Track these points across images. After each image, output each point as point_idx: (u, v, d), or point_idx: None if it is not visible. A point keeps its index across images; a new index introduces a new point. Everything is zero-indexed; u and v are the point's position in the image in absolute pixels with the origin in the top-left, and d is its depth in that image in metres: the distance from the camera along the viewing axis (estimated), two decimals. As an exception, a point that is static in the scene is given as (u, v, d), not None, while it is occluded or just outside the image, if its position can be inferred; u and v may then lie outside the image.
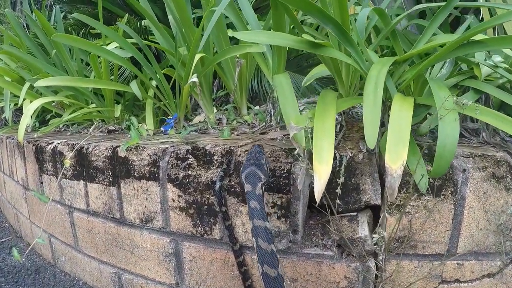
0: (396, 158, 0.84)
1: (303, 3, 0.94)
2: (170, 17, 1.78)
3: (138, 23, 2.00)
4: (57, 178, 1.44)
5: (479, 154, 0.97)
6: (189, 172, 1.08)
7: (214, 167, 1.06)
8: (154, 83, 1.63)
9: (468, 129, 1.18)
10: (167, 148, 1.13)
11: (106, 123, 1.78)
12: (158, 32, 1.71)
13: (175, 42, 1.51)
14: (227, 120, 1.59)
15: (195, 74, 1.31)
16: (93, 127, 1.59)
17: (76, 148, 1.33)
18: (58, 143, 1.43)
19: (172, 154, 1.11)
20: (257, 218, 0.84)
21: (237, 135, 1.40)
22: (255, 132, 1.44)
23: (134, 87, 1.46)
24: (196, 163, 1.08)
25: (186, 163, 1.09)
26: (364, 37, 1.17)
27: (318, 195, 0.83)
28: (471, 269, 0.99)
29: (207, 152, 1.09)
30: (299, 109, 1.04)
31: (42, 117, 2.13)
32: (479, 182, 0.94)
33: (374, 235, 0.95)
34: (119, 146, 1.21)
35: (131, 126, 1.29)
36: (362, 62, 1.07)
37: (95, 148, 1.27)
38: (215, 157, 1.07)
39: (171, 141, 1.22)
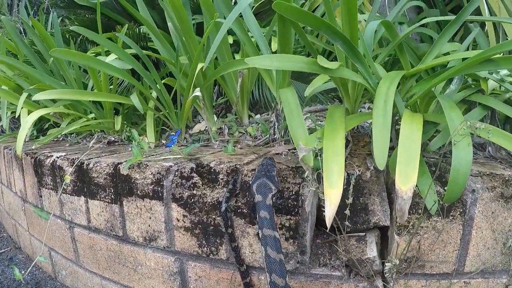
0: (407, 180, 0.82)
1: (313, 20, 0.92)
2: (169, 24, 1.74)
3: (137, 29, 1.96)
4: (56, 192, 1.41)
5: (488, 173, 0.96)
6: (194, 192, 1.05)
7: (219, 186, 1.04)
8: (154, 93, 1.60)
9: (475, 143, 1.17)
10: (171, 166, 1.10)
11: (106, 133, 1.75)
12: (158, 40, 1.68)
13: (175, 52, 1.48)
14: (228, 130, 1.57)
15: (198, 88, 1.28)
16: (93, 140, 1.55)
17: (76, 164, 1.30)
18: (58, 157, 1.40)
19: (177, 173, 1.08)
20: (267, 227, 0.85)
21: (241, 148, 1.38)
22: (258, 144, 1.42)
23: (134, 99, 1.43)
24: (201, 182, 1.06)
25: (191, 182, 1.06)
26: (371, 51, 1.15)
27: (329, 221, 0.81)
28: (477, 287, 0.98)
29: (212, 170, 1.06)
30: (305, 123, 1.02)
31: (40, 125, 2.09)
32: (487, 203, 0.93)
33: (386, 264, 0.93)
34: (120, 163, 1.18)
35: (133, 142, 1.26)
36: (370, 77, 1.05)
37: (96, 165, 1.24)
38: (220, 176, 1.05)
39: (174, 158, 1.20)
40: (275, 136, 1.35)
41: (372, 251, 0.97)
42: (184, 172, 1.08)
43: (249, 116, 1.75)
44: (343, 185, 0.97)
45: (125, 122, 1.72)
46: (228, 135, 1.55)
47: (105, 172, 1.21)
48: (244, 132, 1.59)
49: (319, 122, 1.56)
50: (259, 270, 1.03)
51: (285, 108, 1.03)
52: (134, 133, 1.43)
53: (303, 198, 0.95)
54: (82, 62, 1.34)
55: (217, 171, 1.06)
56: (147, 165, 1.13)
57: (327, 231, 0.93)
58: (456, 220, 0.93)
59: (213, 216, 1.03)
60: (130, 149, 1.48)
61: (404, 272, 0.97)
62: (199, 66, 1.44)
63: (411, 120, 0.93)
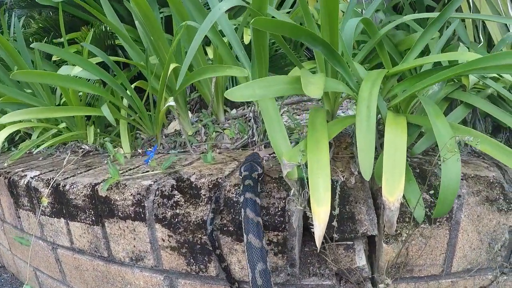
0: (393, 190, 0.79)
1: (292, 29, 0.86)
2: (136, 22, 1.64)
3: (104, 27, 1.84)
4: (35, 214, 1.34)
5: (472, 175, 0.95)
6: (177, 211, 1.01)
7: (202, 203, 0.99)
8: (125, 101, 1.52)
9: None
10: (150, 185, 1.05)
11: (79, 142, 1.67)
12: (126, 43, 1.58)
13: (145, 54, 1.39)
14: (205, 130, 1.51)
15: (172, 98, 1.21)
16: (67, 157, 1.47)
17: (51, 185, 1.23)
18: (32, 178, 1.32)
19: (157, 192, 1.03)
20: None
21: (219, 152, 1.33)
22: (237, 146, 1.37)
23: (105, 111, 1.35)
24: (183, 200, 1.01)
25: (172, 201, 1.02)
26: (351, 51, 1.10)
27: (319, 240, 0.78)
28: (464, 284, 0.98)
29: (193, 185, 1.02)
30: (286, 135, 0.97)
31: (11, 135, 1.97)
32: (473, 207, 0.91)
33: (379, 286, 0.92)
34: (98, 184, 1.12)
35: (107, 158, 1.19)
36: (351, 80, 1.01)
37: (72, 186, 1.17)
38: (202, 192, 1.00)
39: (152, 173, 1.14)
40: (254, 139, 1.31)
41: (361, 259, 0.96)
42: (165, 190, 1.03)
43: (225, 111, 1.70)
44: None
45: (98, 129, 1.64)
46: (205, 135, 1.50)
47: (83, 193, 1.15)
48: (221, 131, 1.53)
49: (297, 117, 1.51)
50: (249, 284, 1.01)
51: (265, 118, 0.98)
52: (108, 146, 1.36)
53: (289, 214, 0.92)
54: (47, 82, 1.25)
55: (198, 186, 1.02)
56: (126, 185, 1.07)
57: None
58: (443, 225, 0.92)
59: (199, 235, 0.99)
60: (106, 161, 1.41)
61: (393, 278, 0.96)
62: (171, 67, 1.37)
63: (396, 125, 0.90)
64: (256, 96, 0.80)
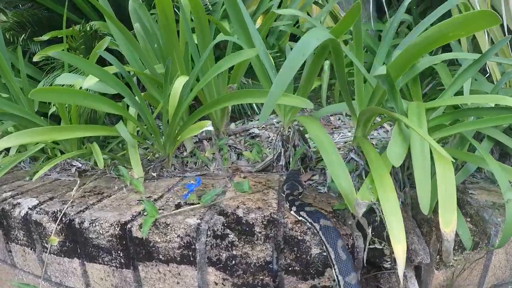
0: (449, 222, 0.84)
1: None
2: (136, 25, 1.46)
3: (88, 26, 1.61)
4: (33, 250, 1.14)
5: (501, 204, 1.04)
6: (234, 253, 0.94)
7: (259, 242, 0.93)
8: (133, 110, 1.34)
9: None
10: (199, 225, 0.96)
11: (69, 158, 1.45)
12: (126, 47, 1.40)
13: (165, 74, 1.24)
14: (219, 152, 1.42)
15: (210, 122, 1.11)
16: (75, 188, 1.26)
17: (63, 220, 1.06)
18: (31, 209, 1.12)
19: (208, 232, 0.95)
20: (323, 218, 0.91)
21: (244, 177, 1.27)
22: (258, 169, 1.32)
23: (123, 131, 1.17)
24: (237, 239, 0.94)
25: (227, 241, 0.94)
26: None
27: (401, 273, 0.80)
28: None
29: (243, 221, 0.96)
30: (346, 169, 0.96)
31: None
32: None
33: None
34: (128, 223, 0.99)
35: (143, 200, 1.04)
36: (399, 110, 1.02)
37: (93, 224, 1.01)
38: (257, 229, 0.94)
39: (191, 207, 1.04)
40: (281, 163, 1.26)
41: (414, 286, 1.00)
42: (217, 230, 0.95)
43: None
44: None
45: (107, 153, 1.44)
46: (221, 158, 1.41)
47: (109, 233, 1.00)
48: (227, 148, 1.46)
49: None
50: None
51: (322, 151, 0.95)
52: (123, 171, 1.20)
53: (358, 250, 0.92)
54: (69, 101, 1.06)
55: (250, 223, 0.96)
56: (168, 225, 0.96)
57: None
58: (482, 250, 1.00)
59: (260, 277, 0.94)
60: (118, 187, 1.26)
61: (438, 299, 1.02)
62: (181, 80, 1.26)
63: (445, 162, 0.94)
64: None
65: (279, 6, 1.71)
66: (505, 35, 1.50)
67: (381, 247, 0.90)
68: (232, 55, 1.04)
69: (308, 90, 1.06)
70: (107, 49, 1.69)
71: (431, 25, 1.04)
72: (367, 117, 1.07)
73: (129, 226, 0.99)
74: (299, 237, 0.92)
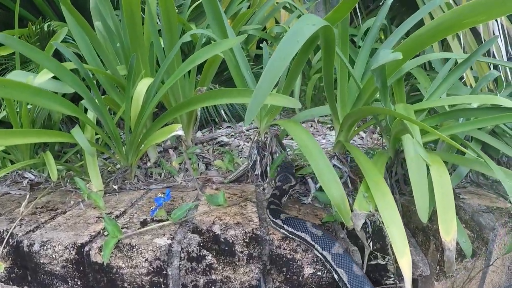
0: (449, 230, 0.76)
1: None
2: (97, 23, 1.28)
3: (46, 25, 1.40)
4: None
5: (494, 207, 0.96)
6: (213, 277, 0.78)
7: (242, 263, 0.79)
8: (91, 115, 1.15)
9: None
10: (171, 246, 0.79)
11: (21, 169, 1.23)
12: (85, 47, 1.22)
13: (128, 73, 1.07)
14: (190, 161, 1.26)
15: (180, 126, 0.95)
16: (23, 204, 1.04)
17: (9, 242, 0.85)
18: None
19: (182, 255, 0.79)
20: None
21: (216, 189, 1.11)
22: (231, 180, 1.17)
23: (80, 138, 0.97)
24: (216, 261, 0.79)
25: (204, 264, 0.78)
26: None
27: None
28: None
29: (221, 239, 0.81)
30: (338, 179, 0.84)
31: None
32: (502, 237, 0.93)
33: None
34: (85, 245, 0.81)
35: (104, 216, 0.84)
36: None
37: (45, 247, 0.82)
38: (238, 248, 0.80)
39: (160, 225, 0.87)
40: (256, 172, 1.12)
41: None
42: (192, 251, 0.79)
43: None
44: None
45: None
46: (190, 166, 1.25)
47: (64, 258, 0.81)
48: (196, 158, 1.30)
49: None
50: None
51: (309, 158, 0.83)
52: (80, 184, 1.01)
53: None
54: (13, 96, 0.87)
55: (230, 241, 0.81)
56: (134, 247, 0.79)
57: None
58: (481, 257, 0.91)
59: (246, 303, 0.79)
60: (71, 201, 1.06)
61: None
62: (146, 82, 1.10)
63: (437, 164, 0.85)
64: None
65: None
66: (480, 42, 1.47)
67: (384, 262, 0.78)
68: (208, 47, 0.89)
69: (290, 90, 0.94)
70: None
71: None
72: (353, 120, 0.96)
73: (87, 249, 0.80)
74: (288, 256, 0.79)
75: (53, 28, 1.38)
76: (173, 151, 1.36)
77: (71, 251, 0.81)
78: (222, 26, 0.98)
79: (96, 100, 1.08)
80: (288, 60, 0.62)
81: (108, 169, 1.28)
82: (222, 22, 0.97)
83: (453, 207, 0.77)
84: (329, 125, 1.66)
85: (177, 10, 1.64)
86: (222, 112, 1.55)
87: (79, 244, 0.81)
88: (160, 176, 1.24)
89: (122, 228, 0.86)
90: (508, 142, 1.02)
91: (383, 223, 0.74)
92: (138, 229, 0.86)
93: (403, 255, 0.70)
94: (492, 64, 1.34)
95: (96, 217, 0.96)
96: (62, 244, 0.82)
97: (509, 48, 1.26)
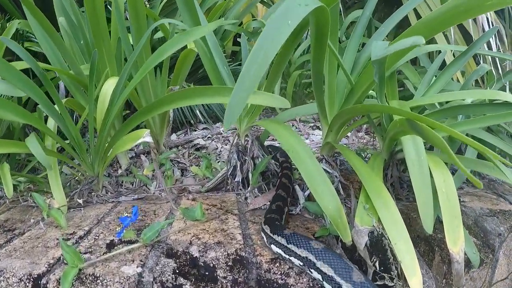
0: (456, 240, 0.66)
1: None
2: (61, 19, 1.11)
3: (7, 23, 1.22)
4: None
5: (498, 210, 0.86)
6: (193, 310, 0.64)
7: (226, 291, 0.65)
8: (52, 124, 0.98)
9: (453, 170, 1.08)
10: (141, 275, 0.64)
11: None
12: (48, 45, 1.05)
13: (90, 72, 0.91)
14: (160, 169, 1.10)
15: (148, 131, 0.79)
16: None
17: None
18: None
19: (155, 286, 0.64)
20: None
21: (193, 199, 0.97)
22: (209, 188, 1.02)
23: (35, 148, 0.80)
24: (195, 290, 0.64)
25: (182, 294, 0.64)
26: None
27: None
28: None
29: (200, 263, 0.67)
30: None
31: None
32: (509, 242, 0.82)
33: None
34: (43, 276, 0.65)
35: (62, 244, 0.68)
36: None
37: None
38: (220, 273, 0.66)
39: (129, 248, 0.72)
40: (237, 179, 0.98)
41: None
42: (166, 280, 0.64)
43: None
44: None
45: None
46: (161, 176, 1.10)
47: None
48: (170, 164, 1.14)
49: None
50: None
51: (299, 166, 0.69)
52: (39, 201, 0.84)
53: None
54: None
55: (210, 265, 0.67)
56: (98, 278, 0.63)
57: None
58: (487, 265, 0.81)
59: None
60: (31, 219, 0.89)
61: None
62: (112, 81, 0.94)
63: (439, 168, 0.74)
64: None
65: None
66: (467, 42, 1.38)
67: (392, 284, 0.66)
68: (177, 36, 0.74)
69: (274, 85, 0.80)
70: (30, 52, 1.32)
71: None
72: (344, 119, 0.84)
73: (44, 281, 0.64)
74: (279, 281, 0.65)
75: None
76: (146, 156, 1.20)
77: (27, 284, 0.65)
78: (194, 16, 0.83)
79: (56, 105, 0.91)
80: (278, 47, 0.48)
81: (77, 178, 1.11)
82: (194, 10, 0.82)
83: (459, 215, 0.67)
84: (311, 124, 1.54)
85: (148, 5, 1.48)
86: (198, 112, 1.40)
87: (35, 276, 0.65)
88: (133, 185, 1.08)
89: (85, 253, 0.71)
90: (503, 138, 0.92)
91: (389, 239, 0.62)
92: (103, 253, 0.71)
93: (414, 274, 0.59)
94: (481, 58, 1.25)
95: (57, 239, 0.79)
96: (16, 276, 0.66)
97: (499, 43, 1.18)
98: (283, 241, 0.67)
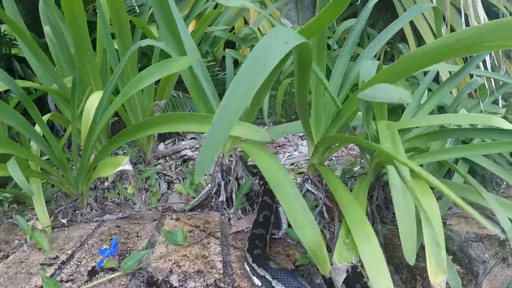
0: (438, 272, 0.64)
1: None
2: (46, 28, 1.08)
3: None
4: None
5: (484, 235, 0.85)
6: None
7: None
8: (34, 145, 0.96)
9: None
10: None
11: None
12: (33, 55, 1.03)
13: (72, 87, 0.88)
14: (149, 188, 1.09)
15: (127, 159, 0.77)
16: None
17: None
18: None
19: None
20: None
21: (177, 219, 0.95)
22: (193, 206, 1.01)
23: (14, 171, 0.78)
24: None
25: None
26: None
27: None
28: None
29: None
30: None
31: None
32: (492, 268, 0.81)
33: None
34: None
35: (42, 277, 0.67)
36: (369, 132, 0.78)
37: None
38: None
39: (109, 278, 0.71)
40: (221, 199, 0.96)
41: None
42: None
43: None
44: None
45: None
46: (146, 189, 1.08)
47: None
48: (156, 177, 1.12)
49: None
50: None
51: (278, 191, 0.67)
52: (21, 222, 0.82)
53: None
54: None
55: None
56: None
57: None
58: (470, 293, 0.79)
59: None
60: (15, 240, 0.88)
61: None
62: (97, 96, 0.92)
63: (424, 193, 0.72)
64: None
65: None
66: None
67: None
68: (158, 65, 0.71)
69: (254, 114, 0.78)
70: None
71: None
72: (328, 144, 0.82)
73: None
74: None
75: (3, 32, 1.16)
76: (133, 167, 1.18)
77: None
78: (175, 34, 0.79)
79: (38, 124, 0.89)
80: (252, 92, 0.45)
81: (63, 190, 1.10)
82: (175, 28, 0.78)
83: (443, 245, 0.65)
84: (301, 134, 1.52)
85: (138, 10, 1.44)
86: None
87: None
88: (119, 198, 1.07)
89: (67, 281, 0.70)
90: (496, 159, 0.90)
91: (367, 277, 0.60)
92: (85, 282, 0.70)
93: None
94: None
95: (40, 264, 0.78)
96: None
97: (493, 55, 1.14)
98: (267, 275, 0.65)
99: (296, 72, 0.65)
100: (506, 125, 0.73)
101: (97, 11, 1.06)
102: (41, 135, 0.91)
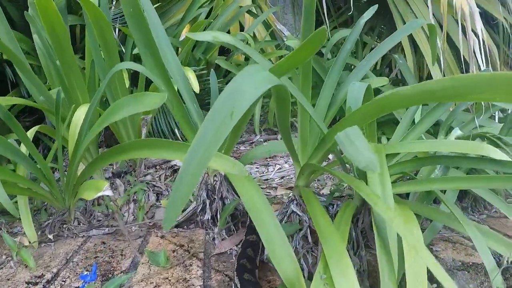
0: None
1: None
2: (35, 36, 1.07)
3: None
4: None
5: (470, 263, 0.83)
6: None
7: None
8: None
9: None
10: None
11: None
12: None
13: (56, 107, 0.88)
14: (135, 194, 1.08)
15: (107, 185, 0.76)
16: None
17: None
18: None
19: None
20: None
21: (162, 236, 0.94)
22: (180, 223, 1.00)
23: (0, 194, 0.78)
24: None
25: None
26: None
27: None
28: None
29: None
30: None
31: None
32: (477, 299, 0.79)
33: None
34: None
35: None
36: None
37: None
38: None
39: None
40: (206, 217, 0.94)
41: None
42: None
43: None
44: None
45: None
46: (133, 203, 1.08)
47: None
48: (145, 189, 1.12)
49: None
50: None
51: (256, 221, 0.66)
52: (7, 239, 0.82)
53: None
54: None
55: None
56: None
57: None
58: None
59: None
60: (2, 255, 0.88)
61: None
62: (84, 110, 0.91)
63: (410, 224, 0.71)
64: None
65: (208, 15, 1.38)
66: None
67: None
68: (133, 98, 0.68)
69: (234, 144, 0.76)
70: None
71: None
72: (313, 170, 0.80)
73: None
74: None
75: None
76: (122, 178, 1.17)
77: None
78: (157, 58, 0.77)
79: (23, 143, 0.88)
80: (220, 141, 0.43)
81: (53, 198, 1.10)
82: (156, 50, 0.76)
83: (425, 280, 0.64)
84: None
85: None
86: (176, 130, 1.35)
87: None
88: (106, 211, 1.06)
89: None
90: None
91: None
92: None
93: None
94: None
95: (26, 283, 0.78)
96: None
97: (490, 67, 1.10)
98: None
99: (276, 103, 0.63)
100: (496, 154, 0.71)
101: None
102: (27, 154, 0.90)
